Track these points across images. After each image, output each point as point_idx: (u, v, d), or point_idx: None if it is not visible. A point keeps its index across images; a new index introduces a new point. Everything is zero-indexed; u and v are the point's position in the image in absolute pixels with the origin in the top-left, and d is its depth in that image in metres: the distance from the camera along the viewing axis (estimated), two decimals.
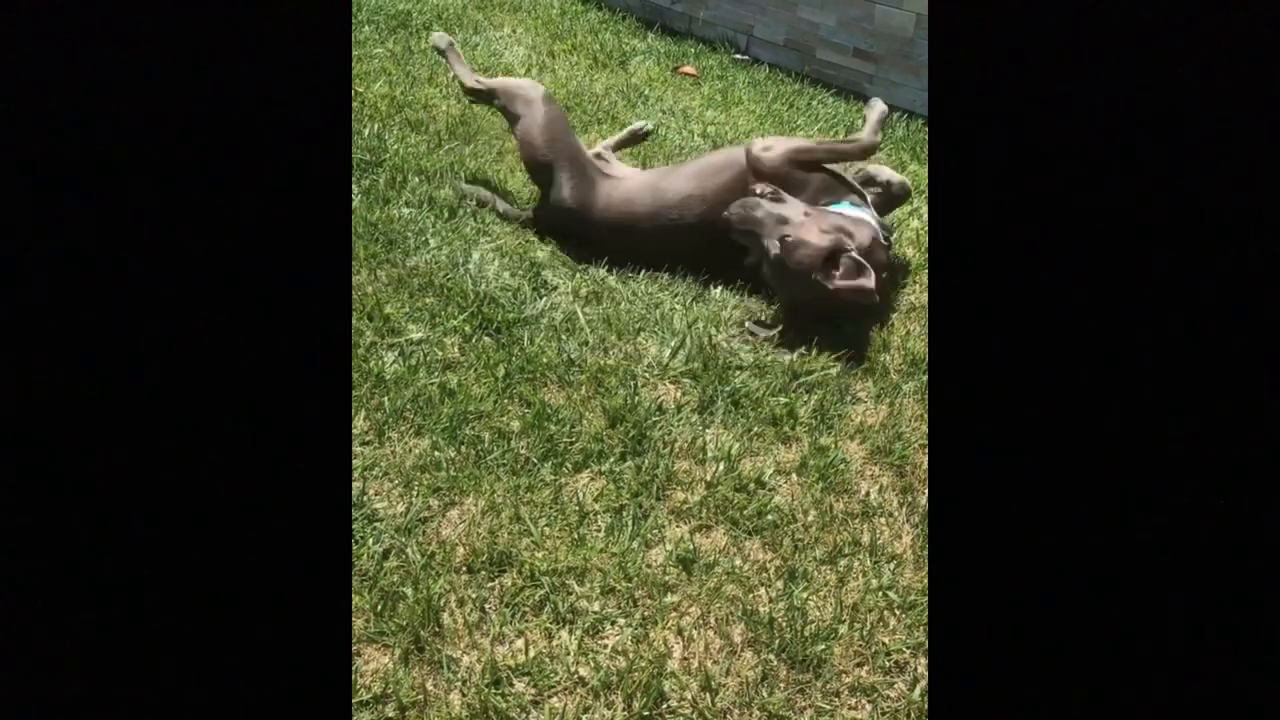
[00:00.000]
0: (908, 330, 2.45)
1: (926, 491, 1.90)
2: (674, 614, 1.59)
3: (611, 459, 1.90)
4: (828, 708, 1.46)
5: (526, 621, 1.55)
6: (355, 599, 1.54)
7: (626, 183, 2.67)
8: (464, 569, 1.63)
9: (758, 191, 2.35)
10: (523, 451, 1.89)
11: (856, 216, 2.42)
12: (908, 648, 1.56)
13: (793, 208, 2.34)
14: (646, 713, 1.42)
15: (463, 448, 1.88)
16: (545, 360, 2.15)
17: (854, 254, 2.26)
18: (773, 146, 2.54)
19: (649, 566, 1.67)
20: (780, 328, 2.32)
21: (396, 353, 2.13)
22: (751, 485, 1.87)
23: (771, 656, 1.52)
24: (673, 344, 2.25)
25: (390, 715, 1.38)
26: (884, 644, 1.56)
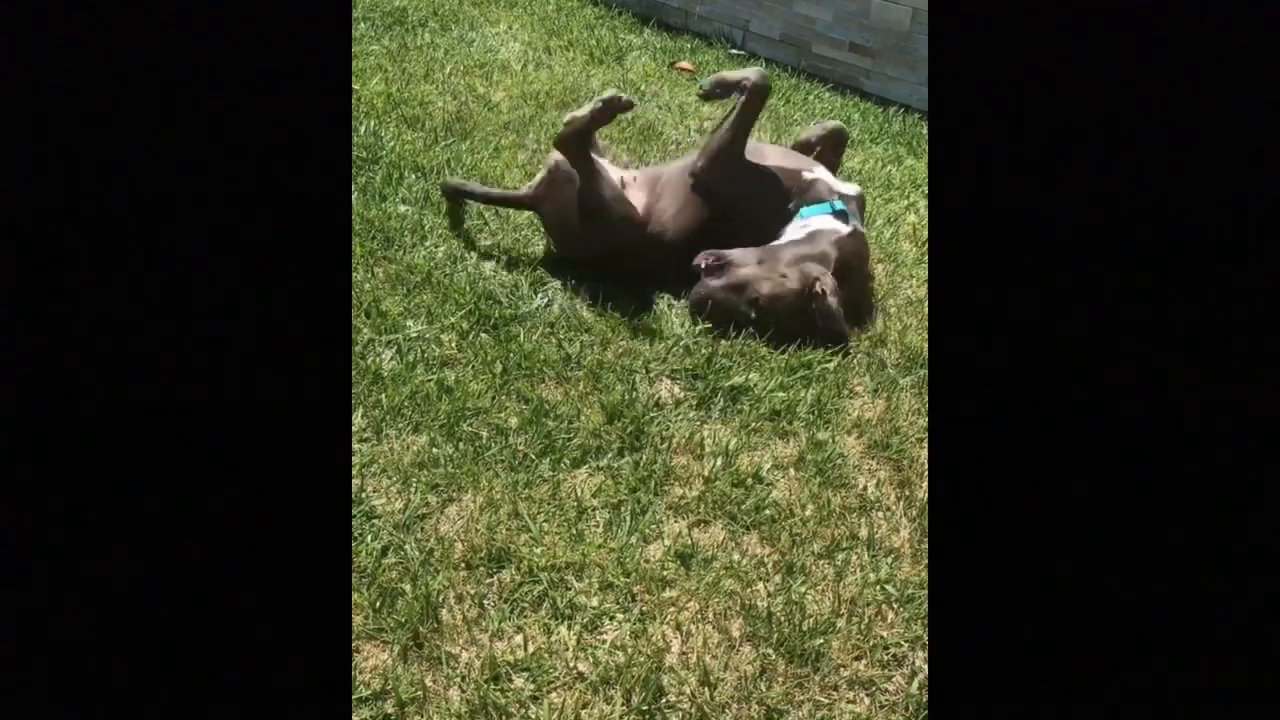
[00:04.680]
0: (904, 324, 2.45)
1: (924, 485, 1.90)
2: (672, 609, 1.59)
3: (609, 455, 1.90)
4: (826, 701, 1.47)
5: (525, 617, 1.55)
6: (354, 596, 1.54)
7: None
8: (462, 565, 1.63)
9: (702, 268, 2.33)
10: (521, 448, 1.89)
11: (811, 231, 2.43)
12: (906, 641, 1.57)
13: (744, 265, 2.34)
14: (645, 707, 1.42)
15: (461, 444, 1.88)
16: (543, 356, 2.15)
17: (820, 285, 2.29)
18: (701, 159, 2.52)
19: (647, 562, 1.67)
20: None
21: (394, 350, 2.13)
22: (749, 480, 1.88)
23: (770, 651, 1.52)
24: (670, 340, 2.25)
25: (389, 712, 1.38)
26: (882, 637, 1.57)
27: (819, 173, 2.57)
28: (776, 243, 2.43)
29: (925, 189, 3.19)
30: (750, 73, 2.52)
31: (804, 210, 2.49)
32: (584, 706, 1.42)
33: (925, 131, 3.75)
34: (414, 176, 2.86)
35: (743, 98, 2.48)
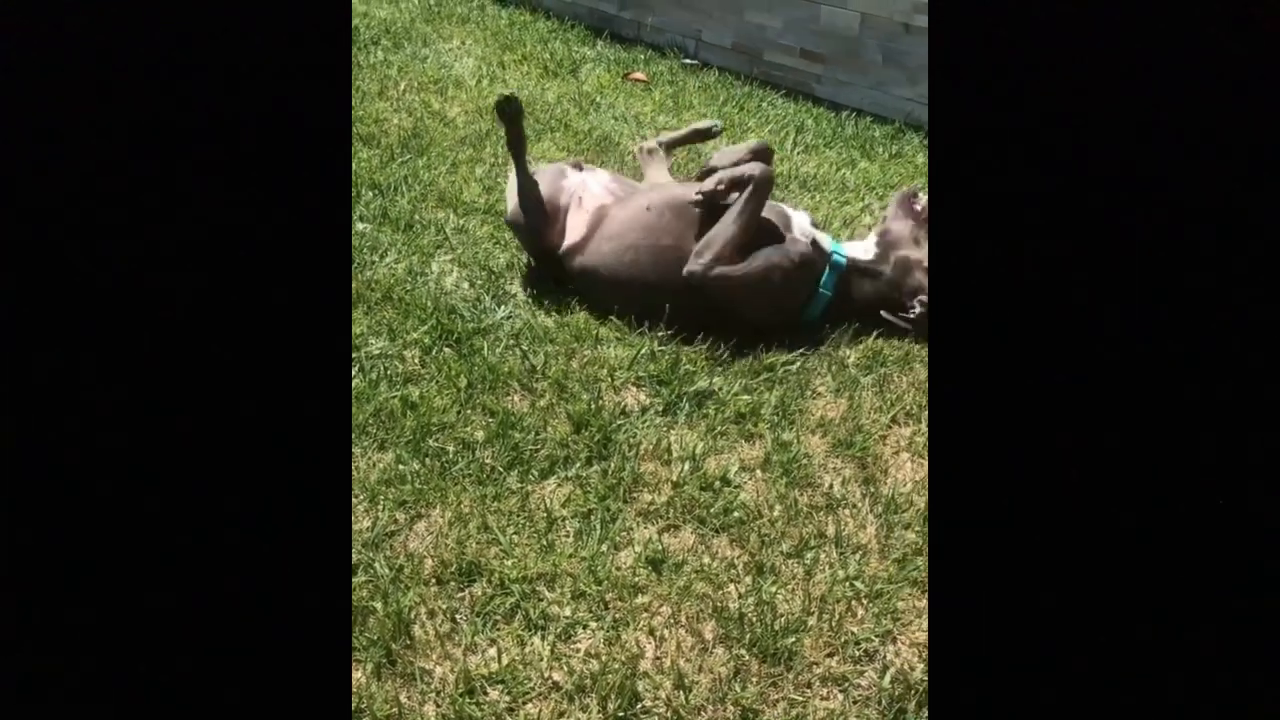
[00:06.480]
0: (862, 324, 2.48)
1: (889, 481, 1.93)
2: (645, 615, 1.59)
3: (577, 464, 1.91)
4: (800, 699, 1.48)
5: (498, 630, 1.55)
6: None
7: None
8: (433, 581, 1.62)
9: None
10: (488, 461, 1.89)
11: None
12: (876, 636, 1.58)
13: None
14: (621, 714, 1.42)
15: (427, 460, 1.88)
16: (507, 368, 2.15)
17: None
18: (704, 257, 2.31)
19: (618, 569, 1.68)
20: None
21: (356, 368, 2.12)
22: (717, 483, 1.89)
23: (743, 651, 1.53)
24: (634, 347, 2.26)
25: None
26: (853, 633, 1.58)
27: (798, 231, 2.41)
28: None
29: (879, 191, 3.23)
30: (754, 167, 2.35)
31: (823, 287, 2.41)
32: (560, 716, 1.42)
33: (877, 134, 3.79)
34: (371, 194, 2.85)
35: (747, 190, 2.32)
